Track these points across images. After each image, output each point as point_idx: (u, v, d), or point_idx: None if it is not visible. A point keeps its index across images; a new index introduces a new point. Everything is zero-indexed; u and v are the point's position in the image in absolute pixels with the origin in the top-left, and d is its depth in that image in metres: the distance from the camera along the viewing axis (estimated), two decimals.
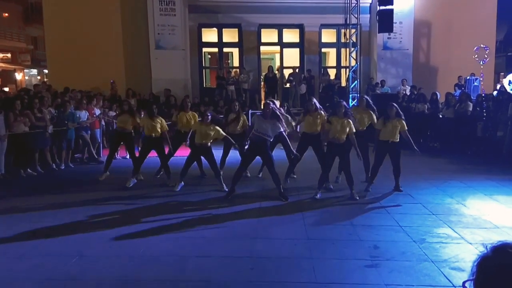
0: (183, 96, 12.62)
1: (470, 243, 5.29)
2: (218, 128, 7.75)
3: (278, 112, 7.13)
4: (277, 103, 7.53)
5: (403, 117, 7.55)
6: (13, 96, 11.39)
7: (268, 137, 7.10)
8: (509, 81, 14.42)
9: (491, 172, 8.95)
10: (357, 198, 7.19)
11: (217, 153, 8.38)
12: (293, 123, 8.64)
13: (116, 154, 10.19)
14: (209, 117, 7.64)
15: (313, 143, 7.82)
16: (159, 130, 8.18)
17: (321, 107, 8.00)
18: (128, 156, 9.32)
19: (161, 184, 8.27)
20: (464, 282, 1.36)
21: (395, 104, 7.68)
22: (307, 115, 7.88)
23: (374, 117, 8.01)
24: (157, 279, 4.42)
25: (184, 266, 4.73)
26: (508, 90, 13.10)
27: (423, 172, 9.07)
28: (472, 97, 12.28)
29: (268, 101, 7.40)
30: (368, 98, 8.44)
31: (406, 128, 7.51)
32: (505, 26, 24.31)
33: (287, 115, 8.58)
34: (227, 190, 7.46)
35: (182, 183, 7.85)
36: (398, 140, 7.53)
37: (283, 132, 7.22)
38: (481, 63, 15.31)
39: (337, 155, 7.31)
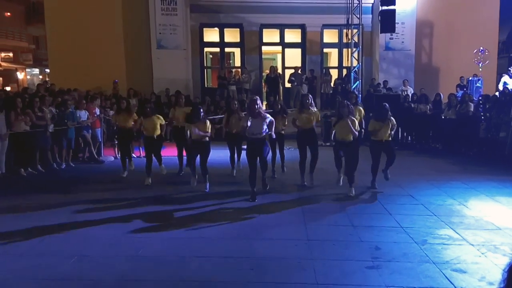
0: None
1: (472, 245, 5.25)
2: (208, 122, 7.70)
3: (261, 110, 7.10)
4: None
5: (390, 118, 7.64)
6: (14, 95, 11.36)
7: (261, 136, 6.97)
8: (504, 82, 14.38)
9: (493, 173, 8.90)
10: (352, 195, 7.34)
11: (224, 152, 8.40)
12: (287, 119, 8.64)
13: (117, 153, 10.26)
14: (202, 113, 7.57)
15: (308, 138, 7.86)
16: (158, 129, 8.27)
17: (312, 103, 8.03)
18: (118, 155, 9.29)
19: (159, 183, 8.23)
20: None
21: (386, 105, 7.73)
22: (301, 113, 7.91)
23: (363, 112, 8.86)
24: (156, 280, 4.40)
25: (183, 266, 4.71)
26: (500, 89, 13.05)
27: (425, 173, 9.03)
28: (474, 98, 12.23)
29: (254, 98, 7.18)
30: (358, 95, 8.89)
31: (395, 125, 7.76)
32: (507, 27, 24.19)
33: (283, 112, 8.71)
34: (207, 190, 7.57)
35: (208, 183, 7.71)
36: (391, 138, 7.80)
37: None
38: (480, 65, 15.27)
39: (343, 152, 7.40)
